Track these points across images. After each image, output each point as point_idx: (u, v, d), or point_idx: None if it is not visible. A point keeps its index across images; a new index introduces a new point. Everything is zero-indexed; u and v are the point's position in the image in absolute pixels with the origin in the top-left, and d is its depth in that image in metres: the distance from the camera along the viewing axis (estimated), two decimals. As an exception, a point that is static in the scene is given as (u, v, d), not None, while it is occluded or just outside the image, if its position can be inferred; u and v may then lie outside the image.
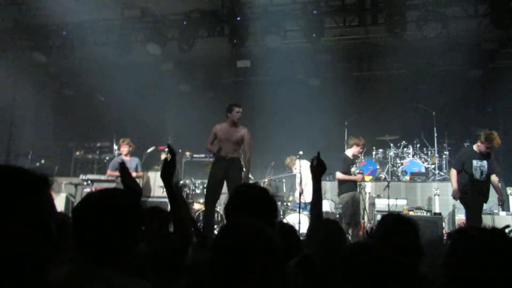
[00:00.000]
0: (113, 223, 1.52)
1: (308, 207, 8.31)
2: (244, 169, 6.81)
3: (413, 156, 9.75)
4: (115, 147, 10.46)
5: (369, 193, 8.50)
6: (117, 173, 7.86)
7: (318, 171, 2.79)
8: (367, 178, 9.38)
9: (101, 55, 9.67)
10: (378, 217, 7.45)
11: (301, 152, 7.75)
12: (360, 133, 10.15)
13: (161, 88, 11.35)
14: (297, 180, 8.81)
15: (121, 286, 1.43)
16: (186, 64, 10.72)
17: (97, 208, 1.57)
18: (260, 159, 9.49)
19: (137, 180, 7.85)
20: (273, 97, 10.15)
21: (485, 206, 6.75)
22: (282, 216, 8.10)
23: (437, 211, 8.04)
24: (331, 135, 10.28)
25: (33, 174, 1.27)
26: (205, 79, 11.21)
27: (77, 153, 11.22)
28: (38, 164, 10.25)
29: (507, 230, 2.04)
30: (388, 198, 7.86)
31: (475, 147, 6.41)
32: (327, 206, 8.27)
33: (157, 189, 8.90)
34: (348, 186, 7.42)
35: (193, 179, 9.07)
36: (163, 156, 10.10)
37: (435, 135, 9.61)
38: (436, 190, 8.23)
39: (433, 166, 9.47)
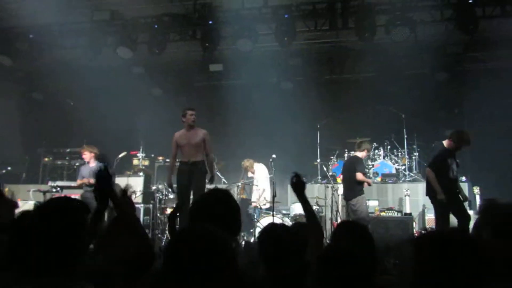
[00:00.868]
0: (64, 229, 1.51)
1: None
2: (209, 172, 6.79)
3: (383, 157, 9.92)
4: (85, 152, 10.25)
5: (342, 195, 8.60)
6: (85, 181, 7.72)
7: (299, 189, 2.78)
8: (340, 180, 9.48)
9: (71, 59, 9.48)
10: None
11: (274, 156, 7.78)
12: (332, 136, 10.34)
13: (133, 92, 11.20)
14: (255, 184, 8.89)
15: None
16: (158, 68, 10.62)
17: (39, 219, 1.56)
18: (232, 163, 9.48)
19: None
20: (245, 100, 10.16)
21: None
22: (256, 220, 8.11)
23: (408, 211, 8.22)
24: (303, 138, 10.37)
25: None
26: (177, 83, 11.11)
27: (46, 159, 10.95)
28: (4, 171, 9.92)
29: None
30: (360, 200, 7.95)
31: (445, 144, 6.33)
32: (300, 208, 8.28)
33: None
34: (361, 188, 7.52)
35: (165, 184, 8.98)
36: (135, 162, 9.98)
37: (405, 136, 9.83)
38: (407, 191, 8.41)
39: (403, 167, 9.67)
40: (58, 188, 8.41)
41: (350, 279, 1.87)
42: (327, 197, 8.66)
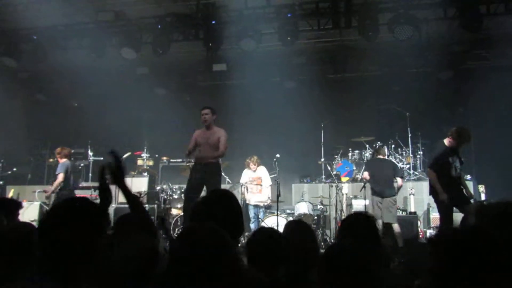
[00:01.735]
0: (76, 233, 1.49)
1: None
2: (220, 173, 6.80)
3: (388, 156, 9.89)
4: (90, 153, 10.30)
5: (346, 194, 8.59)
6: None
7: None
8: (344, 179, 9.48)
9: (75, 60, 9.50)
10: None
11: (278, 155, 7.78)
12: (336, 135, 10.33)
13: (137, 93, 11.23)
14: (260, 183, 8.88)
15: None
16: (162, 68, 10.63)
17: (60, 219, 1.53)
18: (237, 162, 9.48)
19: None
20: (249, 100, 10.16)
21: None
22: (261, 219, 8.12)
23: (412, 210, 8.21)
24: (307, 137, 10.36)
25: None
26: (181, 83, 11.13)
27: (51, 160, 10.97)
28: (9, 172, 9.97)
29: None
30: (365, 198, 7.95)
31: (446, 142, 6.21)
32: (304, 208, 8.31)
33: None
34: None
35: (170, 184, 9.01)
36: (139, 162, 10.00)
37: (409, 135, 9.79)
38: (411, 189, 8.39)
39: (408, 166, 9.64)
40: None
41: (354, 277, 1.86)
42: (331, 196, 8.65)
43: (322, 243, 7.70)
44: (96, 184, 8.87)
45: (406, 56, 9.54)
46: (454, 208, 6.10)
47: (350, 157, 10.05)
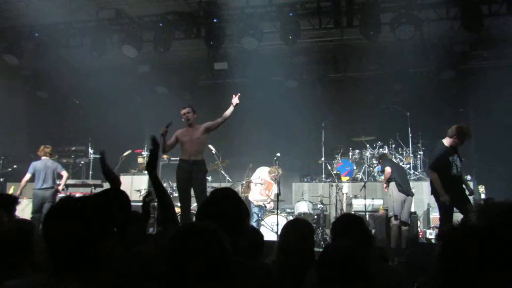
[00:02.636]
0: (85, 230, 1.49)
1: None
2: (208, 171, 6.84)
3: (388, 157, 9.89)
4: (91, 150, 10.31)
5: (346, 193, 8.59)
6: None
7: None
8: (344, 178, 9.48)
9: (76, 57, 9.51)
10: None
11: (278, 154, 7.77)
12: (336, 134, 10.33)
13: (138, 91, 11.23)
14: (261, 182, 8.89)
15: None
16: (163, 66, 10.64)
17: (69, 214, 1.53)
18: (237, 161, 9.48)
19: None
20: (250, 99, 10.12)
21: None
22: (261, 218, 8.13)
23: (412, 210, 8.19)
24: (308, 137, 10.36)
25: None
26: (182, 81, 11.13)
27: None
28: (10, 169, 9.97)
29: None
30: (365, 198, 7.96)
31: (445, 142, 6.14)
32: (304, 207, 8.31)
33: (133, 193, 8.78)
34: None
35: (170, 182, 9.00)
36: (139, 160, 10.00)
37: (410, 135, 9.79)
38: (412, 189, 8.37)
39: (408, 166, 9.63)
40: (64, 186, 8.45)
41: (348, 274, 1.88)
42: (331, 195, 8.65)
43: (322, 242, 7.69)
44: (96, 181, 8.92)
45: (407, 56, 9.53)
46: (454, 208, 6.10)
47: (350, 157, 10.05)
